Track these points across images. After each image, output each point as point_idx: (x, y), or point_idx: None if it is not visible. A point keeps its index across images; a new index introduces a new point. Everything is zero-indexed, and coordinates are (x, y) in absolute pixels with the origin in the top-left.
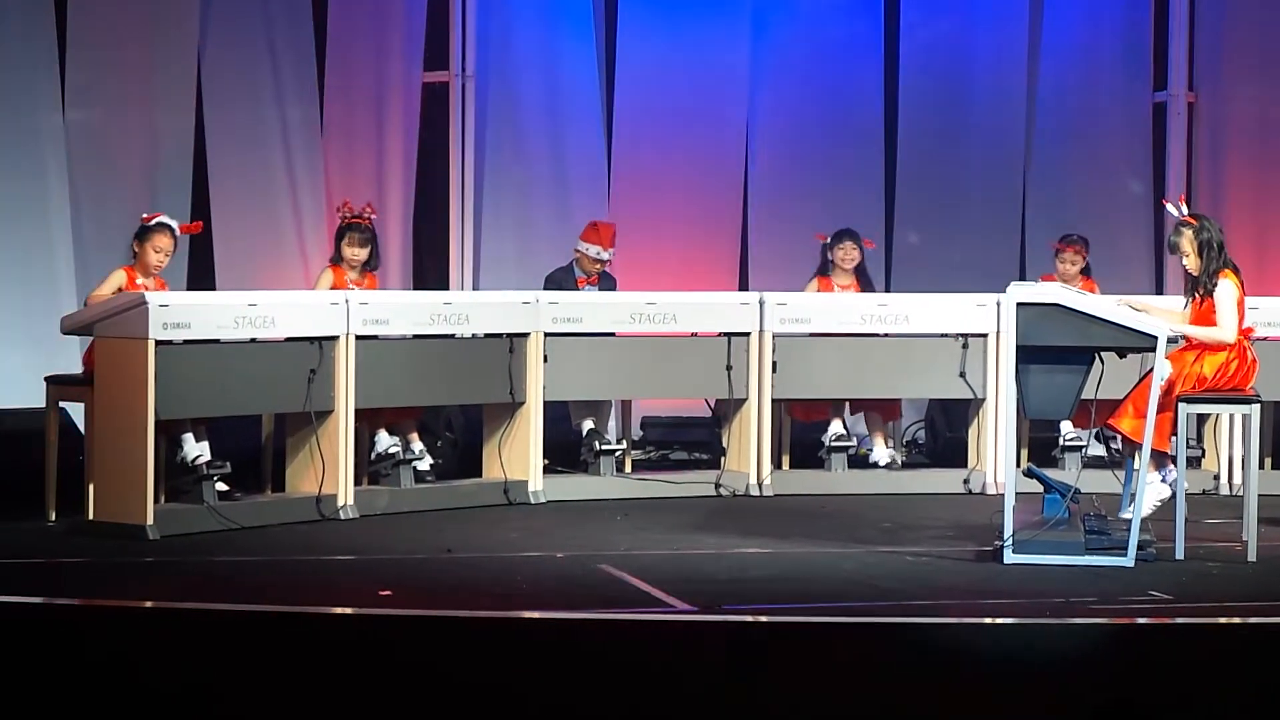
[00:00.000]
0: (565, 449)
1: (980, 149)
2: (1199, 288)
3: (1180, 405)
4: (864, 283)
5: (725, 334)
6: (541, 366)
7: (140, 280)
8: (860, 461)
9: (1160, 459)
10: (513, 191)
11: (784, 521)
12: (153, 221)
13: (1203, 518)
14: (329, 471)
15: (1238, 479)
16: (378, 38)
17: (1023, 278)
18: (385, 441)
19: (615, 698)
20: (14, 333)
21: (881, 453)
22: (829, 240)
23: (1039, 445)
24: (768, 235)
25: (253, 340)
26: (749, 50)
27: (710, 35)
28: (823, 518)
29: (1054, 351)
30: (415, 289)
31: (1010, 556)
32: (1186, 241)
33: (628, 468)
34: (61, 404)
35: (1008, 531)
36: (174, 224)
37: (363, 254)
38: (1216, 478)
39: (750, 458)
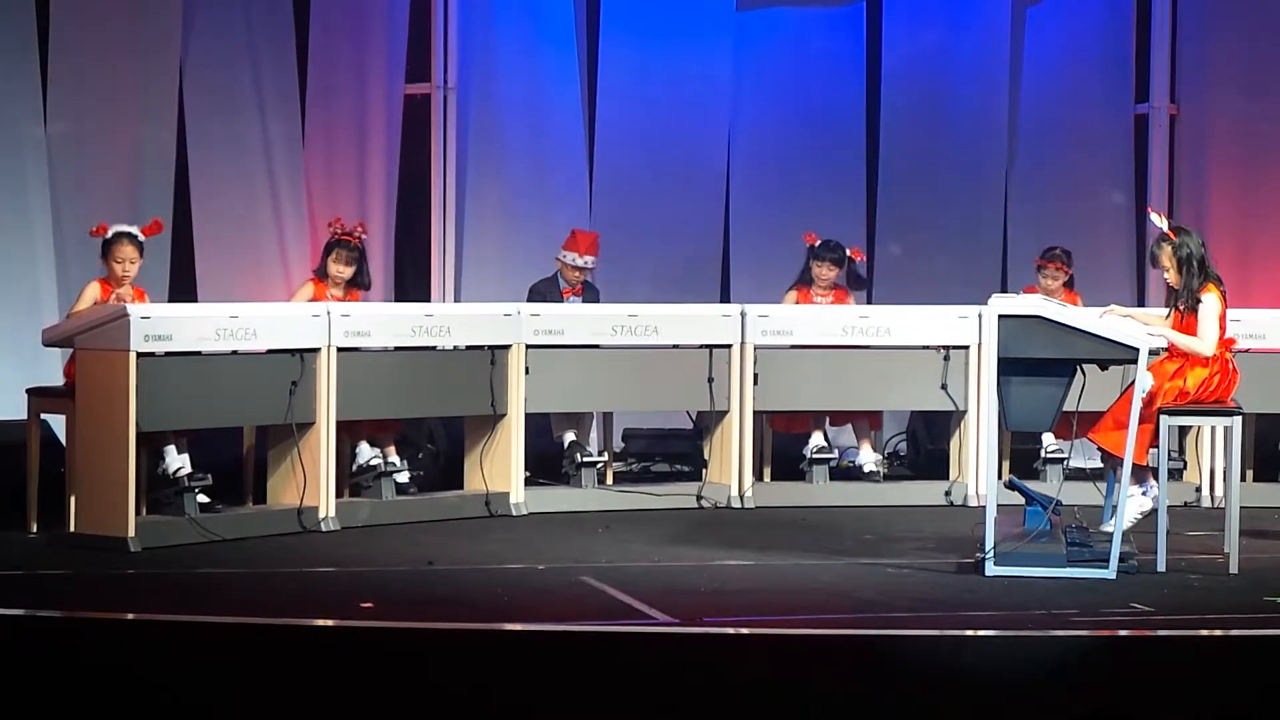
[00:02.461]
0: (547, 461)
1: (962, 161)
2: (1180, 301)
3: (1162, 417)
4: (851, 280)
5: (707, 346)
6: (523, 378)
7: (117, 291)
8: (842, 473)
9: (1142, 472)
10: (494, 203)
11: (765, 533)
12: (110, 233)
13: (1184, 530)
14: (310, 483)
15: (1219, 491)
16: (359, 49)
17: (1004, 290)
18: (366, 453)
19: (596, 710)
20: None
21: (867, 457)
22: (814, 247)
23: (1020, 457)
24: (750, 248)
25: (234, 352)
26: (731, 62)
27: (693, 47)
28: (804, 530)
29: (1035, 363)
30: (397, 301)
31: (992, 568)
32: (1166, 256)
33: (609, 480)
34: (43, 416)
35: (989, 543)
36: (133, 230)
37: (348, 272)
38: (1198, 490)
39: (732, 470)
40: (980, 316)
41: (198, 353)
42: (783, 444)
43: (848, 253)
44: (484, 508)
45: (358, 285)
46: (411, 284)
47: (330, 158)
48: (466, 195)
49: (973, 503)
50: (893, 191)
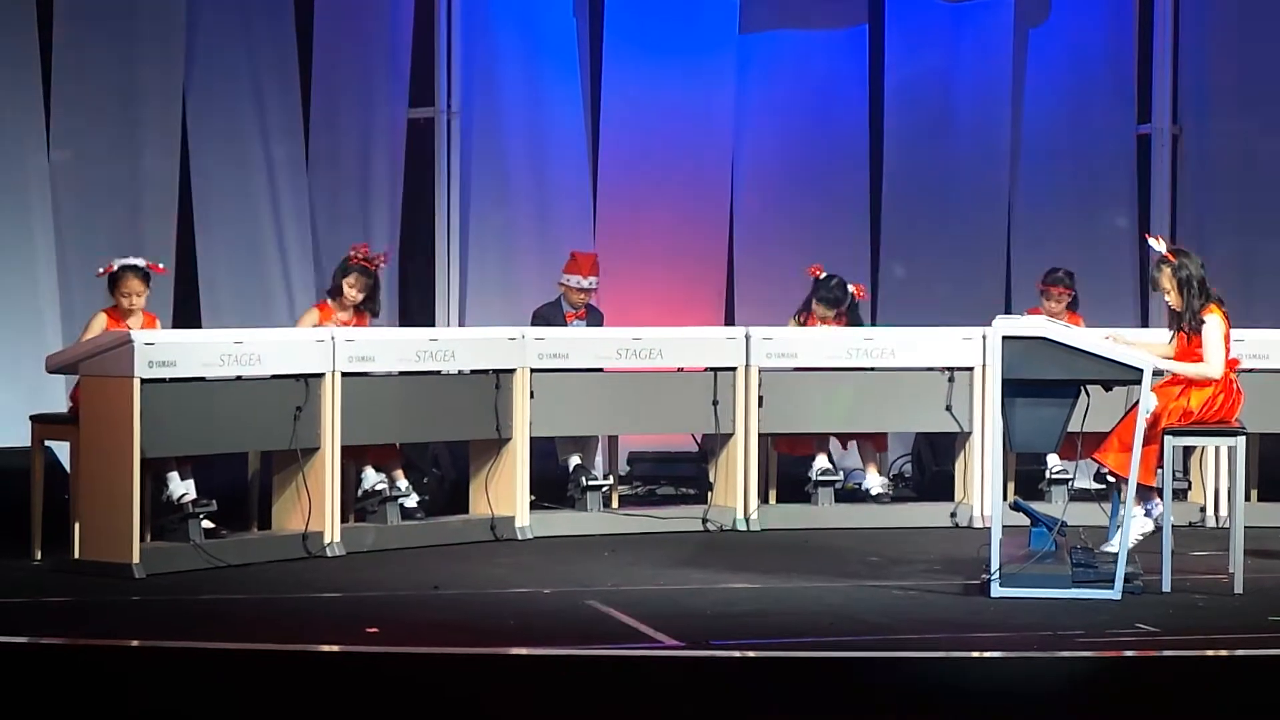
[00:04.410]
0: (552, 485)
1: (965, 183)
2: (1183, 324)
3: (1166, 438)
4: (852, 319)
5: (711, 369)
6: (528, 402)
7: (126, 322)
8: (847, 496)
9: (1146, 492)
10: (498, 227)
11: (771, 556)
12: (115, 268)
13: (1189, 550)
14: (315, 509)
15: (1224, 511)
16: (363, 74)
17: (1008, 311)
18: (372, 478)
19: None
20: (0, 372)
21: (874, 480)
22: (817, 281)
23: (1025, 478)
24: (753, 270)
25: (239, 378)
26: (734, 85)
27: (696, 69)
28: (809, 552)
29: (1040, 385)
30: (401, 325)
31: (997, 590)
32: (1166, 279)
33: (614, 503)
34: (47, 442)
35: (994, 565)
36: (138, 262)
37: (360, 296)
38: (1203, 510)
39: (737, 492)
40: (984, 338)
41: (202, 378)
42: (787, 466)
43: (850, 289)
44: (489, 532)
45: (369, 310)
46: (416, 308)
47: (334, 182)
48: (470, 219)
49: (978, 524)
50: (896, 213)
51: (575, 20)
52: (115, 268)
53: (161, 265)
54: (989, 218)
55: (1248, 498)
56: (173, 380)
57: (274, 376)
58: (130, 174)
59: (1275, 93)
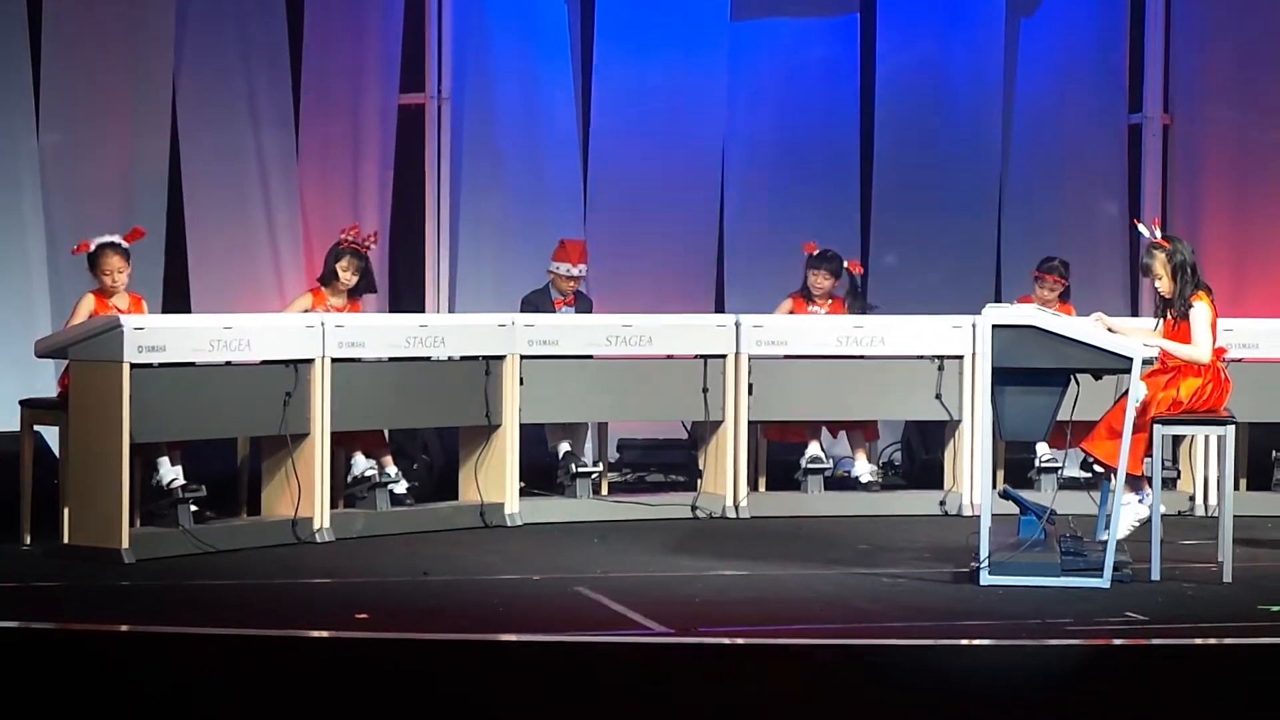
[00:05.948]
0: (541, 471)
1: (956, 171)
2: (1171, 309)
3: (1155, 427)
4: (850, 303)
5: (701, 356)
6: (517, 389)
7: (112, 302)
8: (837, 483)
9: (1136, 481)
10: (489, 214)
11: (760, 543)
12: (93, 247)
13: (1178, 539)
14: (305, 494)
15: (1213, 500)
16: (354, 60)
17: (999, 299)
18: (361, 464)
19: None
20: None
21: (863, 468)
22: (812, 256)
23: (1015, 467)
24: (744, 257)
25: (228, 363)
26: (726, 73)
27: (687, 57)
28: (799, 540)
29: (1030, 373)
30: (391, 311)
31: (986, 578)
32: (1159, 264)
33: (604, 490)
34: (36, 427)
35: (984, 553)
36: (116, 239)
37: (354, 279)
38: (1192, 499)
39: (727, 480)
40: (974, 326)
41: (191, 364)
42: (777, 454)
43: (845, 264)
44: (479, 518)
45: (367, 289)
46: (406, 295)
47: (324, 168)
48: (461, 205)
49: (967, 512)
50: (887, 201)
51: (566, 6)
52: (93, 246)
53: (143, 228)
54: (980, 206)
55: (1236, 487)
56: (162, 365)
57: (264, 362)
58: (121, 159)
59: (1266, 82)
